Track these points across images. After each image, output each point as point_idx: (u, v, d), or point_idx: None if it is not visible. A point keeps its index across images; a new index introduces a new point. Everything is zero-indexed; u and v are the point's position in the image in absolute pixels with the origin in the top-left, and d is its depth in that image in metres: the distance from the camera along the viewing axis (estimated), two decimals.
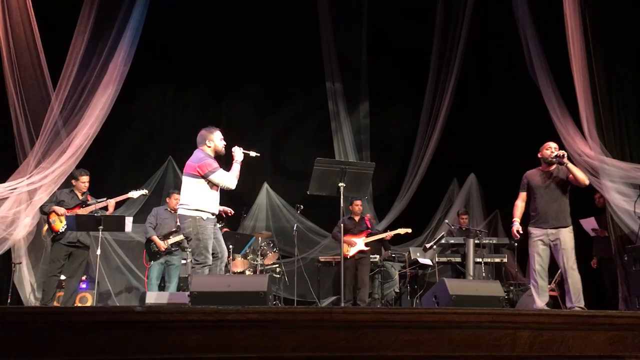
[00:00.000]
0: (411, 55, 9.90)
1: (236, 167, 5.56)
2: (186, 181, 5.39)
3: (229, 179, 5.45)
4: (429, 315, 2.89)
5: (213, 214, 5.43)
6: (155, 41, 8.66)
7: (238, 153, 5.60)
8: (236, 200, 9.82)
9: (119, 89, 7.39)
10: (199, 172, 5.32)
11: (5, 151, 7.17)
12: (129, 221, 6.93)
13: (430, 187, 9.63)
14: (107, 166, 9.39)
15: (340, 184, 5.45)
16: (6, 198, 6.75)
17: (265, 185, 9.95)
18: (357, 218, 7.95)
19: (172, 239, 7.34)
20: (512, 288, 7.94)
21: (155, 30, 8.34)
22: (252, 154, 5.70)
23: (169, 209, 7.58)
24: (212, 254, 5.38)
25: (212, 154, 5.50)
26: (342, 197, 5.47)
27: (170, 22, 9.27)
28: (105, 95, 7.24)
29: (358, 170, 5.60)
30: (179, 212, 5.38)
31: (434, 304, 5.05)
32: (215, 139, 5.53)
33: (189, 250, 8.04)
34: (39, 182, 6.78)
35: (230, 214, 6.02)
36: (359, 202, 7.99)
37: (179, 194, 7.66)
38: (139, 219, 7.98)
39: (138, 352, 2.58)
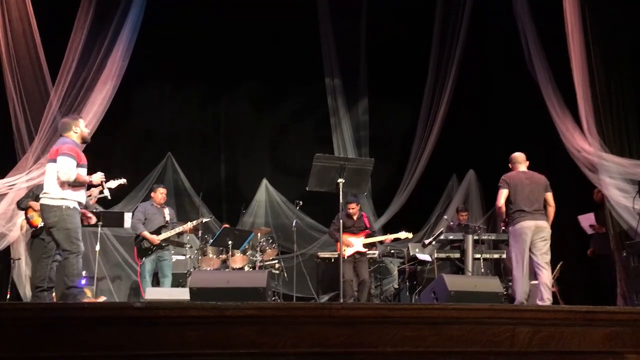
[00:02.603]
0: (410, 52, 9.90)
1: (85, 178, 5.26)
2: (50, 168, 5.16)
3: (72, 171, 5.07)
4: (428, 311, 2.89)
5: (80, 204, 5.23)
6: (153, 38, 8.65)
7: (97, 176, 5.45)
8: (235, 197, 9.87)
9: (117, 85, 7.40)
10: (56, 155, 5.11)
11: (4, 147, 7.16)
12: (128, 217, 6.92)
13: (429, 183, 9.64)
14: (105, 162, 9.33)
15: (340, 180, 5.43)
16: (5, 194, 6.75)
17: (265, 182, 9.95)
18: (355, 217, 7.85)
19: (164, 234, 7.30)
20: (510, 284, 7.94)
21: (154, 26, 8.34)
22: (106, 192, 5.66)
23: (155, 204, 7.53)
24: (45, 251, 5.20)
25: (79, 141, 5.34)
26: (341, 193, 5.46)
27: (169, 18, 9.25)
28: (104, 91, 7.25)
29: (357, 167, 5.59)
30: (42, 202, 5.14)
31: (433, 299, 5.07)
32: (81, 125, 5.40)
33: (188, 246, 8.07)
34: (37, 178, 6.77)
35: (90, 221, 5.83)
36: (353, 206, 7.70)
37: (164, 188, 7.64)
38: None
39: (137, 348, 2.58)
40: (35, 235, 6.39)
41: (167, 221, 7.42)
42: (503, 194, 6.03)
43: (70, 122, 5.38)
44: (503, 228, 6.51)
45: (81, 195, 5.26)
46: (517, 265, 5.89)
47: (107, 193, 5.66)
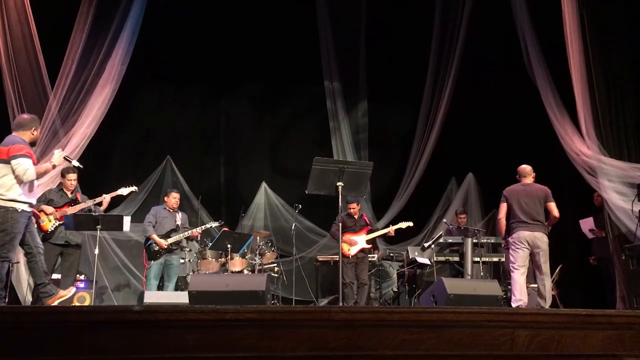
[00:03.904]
0: (409, 54, 9.91)
1: (46, 167, 5.21)
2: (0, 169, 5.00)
3: (29, 171, 4.98)
4: (428, 315, 2.89)
5: (30, 206, 5.13)
6: (153, 40, 8.65)
7: (57, 156, 5.32)
8: (235, 200, 9.86)
9: (116, 88, 7.39)
10: (6, 155, 4.97)
11: None
12: (127, 220, 6.91)
13: (428, 187, 9.64)
14: (105, 166, 9.38)
15: (339, 184, 5.43)
16: None
17: (264, 185, 9.94)
18: (356, 216, 7.86)
19: (172, 238, 7.31)
20: (510, 287, 7.94)
21: (153, 29, 8.34)
22: (75, 163, 5.61)
23: (167, 208, 7.56)
24: (27, 252, 5.17)
25: (29, 141, 5.22)
26: (340, 196, 5.46)
27: (168, 20, 9.25)
28: (103, 95, 7.25)
29: (356, 170, 5.60)
30: None
31: (432, 303, 5.06)
32: (38, 129, 5.35)
33: (188, 249, 8.06)
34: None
35: (41, 222, 5.91)
36: (353, 206, 7.79)
37: (177, 192, 7.68)
38: (137, 218, 7.96)
39: (136, 351, 2.58)
40: (45, 239, 6.36)
41: (177, 225, 7.42)
42: (503, 208, 6.41)
43: (31, 123, 5.25)
44: (503, 243, 6.90)
45: (33, 198, 5.17)
46: (516, 271, 6.22)
47: (76, 164, 5.63)
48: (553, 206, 6.27)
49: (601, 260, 7.57)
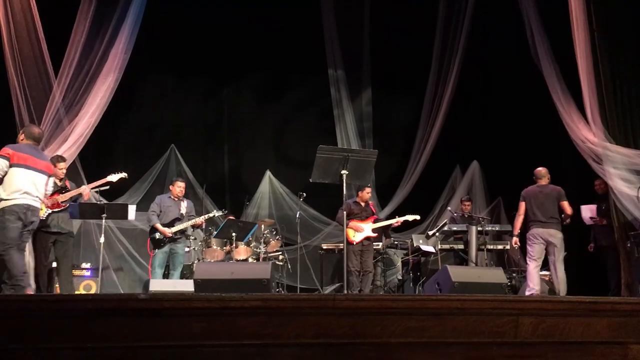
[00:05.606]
0: (414, 42, 9.86)
1: None
2: (44, 179, 5.63)
3: None
4: (432, 302, 2.89)
5: None
6: (156, 30, 8.62)
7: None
8: (239, 188, 9.87)
9: (119, 77, 7.38)
10: (51, 172, 5.80)
11: (7, 140, 7.16)
12: (132, 209, 6.92)
13: (433, 175, 9.62)
14: (109, 155, 9.39)
15: (343, 172, 5.43)
16: None
17: (268, 173, 9.94)
18: (363, 203, 7.83)
19: (177, 227, 7.32)
20: (514, 275, 7.95)
21: (157, 18, 8.31)
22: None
23: (172, 197, 7.55)
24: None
25: None
26: (344, 184, 5.46)
27: (172, 10, 9.22)
28: (107, 84, 7.24)
29: (361, 158, 5.58)
30: (38, 205, 5.61)
31: (436, 290, 5.06)
32: None
33: (193, 238, 8.09)
34: None
35: None
36: (369, 190, 7.76)
37: (182, 181, 7.69)
38: (142, 207, 7.98)
39: (142, 339, 2.60)
40: (39, 227, 6.34)
41: (181, 214, 7.42)
42: (521, 207, 6.99)
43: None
44: (515, 244, 7.34)
45: None
46: (531, 263, 6.74)
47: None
48: (566, 205, 6.75)
49: (602, 248, 7.53)
